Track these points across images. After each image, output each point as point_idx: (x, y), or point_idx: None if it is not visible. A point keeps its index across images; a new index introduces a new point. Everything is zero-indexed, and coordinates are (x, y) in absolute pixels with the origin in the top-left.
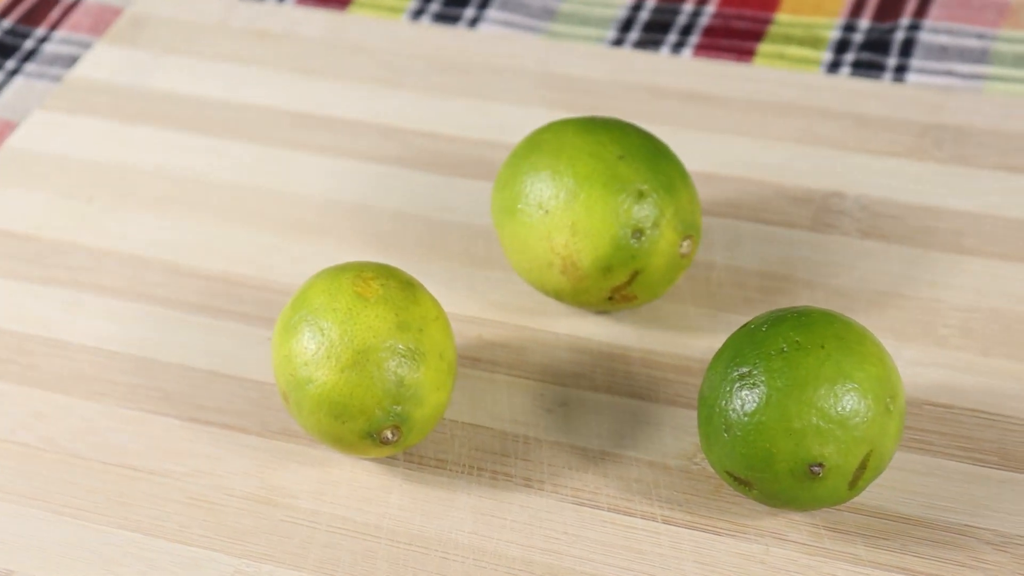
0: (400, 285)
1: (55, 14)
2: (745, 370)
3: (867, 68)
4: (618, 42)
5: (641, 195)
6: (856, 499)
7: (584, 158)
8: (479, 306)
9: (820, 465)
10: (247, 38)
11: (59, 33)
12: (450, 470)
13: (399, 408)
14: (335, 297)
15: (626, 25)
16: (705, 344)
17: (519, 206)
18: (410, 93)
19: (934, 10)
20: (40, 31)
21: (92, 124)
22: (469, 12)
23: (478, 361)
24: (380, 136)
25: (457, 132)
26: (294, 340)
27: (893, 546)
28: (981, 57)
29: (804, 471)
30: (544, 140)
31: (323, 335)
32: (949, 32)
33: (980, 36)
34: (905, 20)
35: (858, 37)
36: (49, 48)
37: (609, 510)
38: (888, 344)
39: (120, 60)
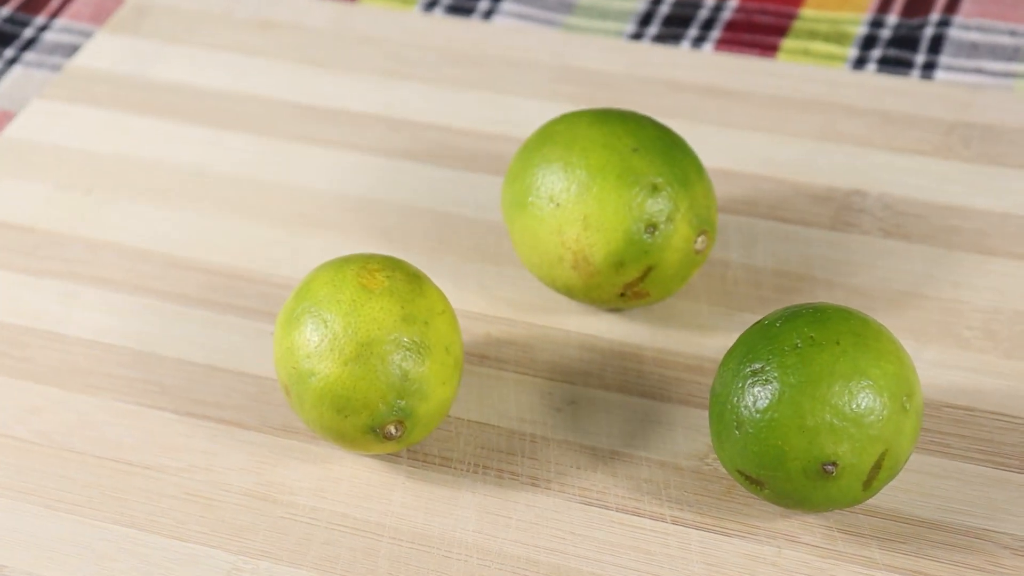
0: (406, 277)
1: (55, 2)
2: (758, 366)
3: (894, 65)
4: (637, 36)
5: (655, 188)
6: (871, 501)
7: (597, 150)
8: (488, 303)
9: (834, 464)
10: (252, 28)
11: (59, 21)
12: (455, 468)
13: (403, 402)
14: (339, 288)
15: (645, 19)
16: (719, 343)
17: (530, 199)
18: (420, 85)
19: (965, 6)
20: (40, 19)
21: (92, 114)
22: (483, 4)
23: (486, 358)
24: (388, 129)
25: (468, 126)
26: (296, 332)
27: (908, 549)
28: (1013, 55)
29: (817, 470)
30: (557, 131)
31: (326, 327)
32: (980, 29)
33: (1013, 33)
34: (935, 16)
35: (886, 33)
36: (49, 37)
37: (617, 510)
38: (908, 345)
39: (122, 49)
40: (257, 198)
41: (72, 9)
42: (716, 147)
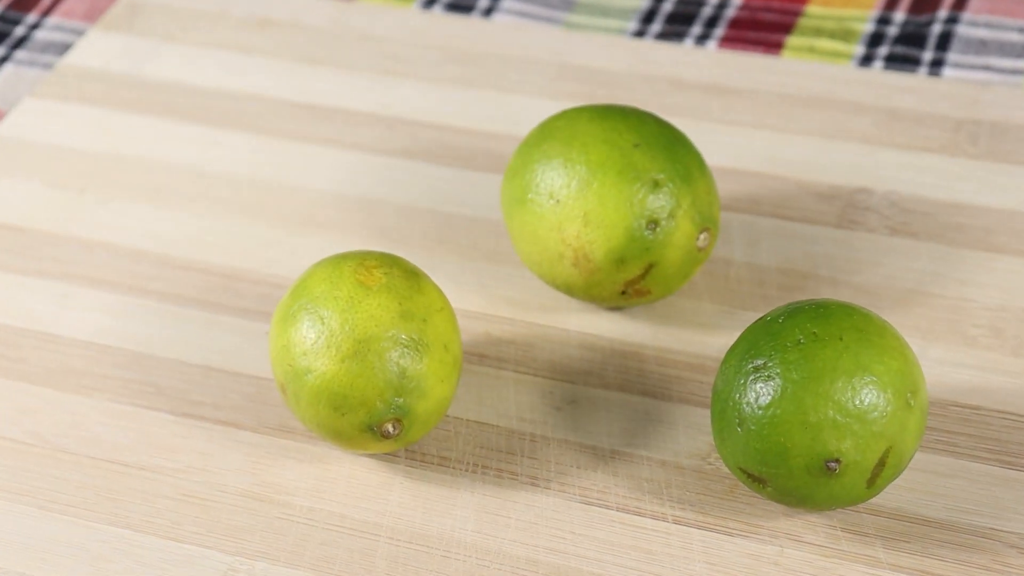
0: (404, 274)
1: (47, 0)
2: (760, 362)
3: (901, 62)
4: (639, 34)
5: (657, 185)
6: (875, 500)
7: (598, 146)
8: (487, 302)
9: (837, 461)
10: (248, 26)
11: (51, 20)
12: (453, 468)
13: (401, 400)
14: (336, 285)
15: (648, 17)
16: (722, 342)
17: (529, 196)
18: (419, 84)
19: (974, 3)
20: (32, 17)
21: (85, 112)
22: (483, 2)
23: (485, 357)
24: (386, 128)
25: (468, 124)
26: (293, 329)
27: (914, 549)
28: (1022, 52)
29: (820, 467)
30: (557, 127)
31: (323, 324)
32: (989, 25)
33: (1022, 30)
34: (943, 13)
35: (892, 30)
36: (40, 35)
37: (618, 510)
38: (915, 343)
39: (115, 47)
40: (254, 198)
41: (64, 7)
42: (720, 145)
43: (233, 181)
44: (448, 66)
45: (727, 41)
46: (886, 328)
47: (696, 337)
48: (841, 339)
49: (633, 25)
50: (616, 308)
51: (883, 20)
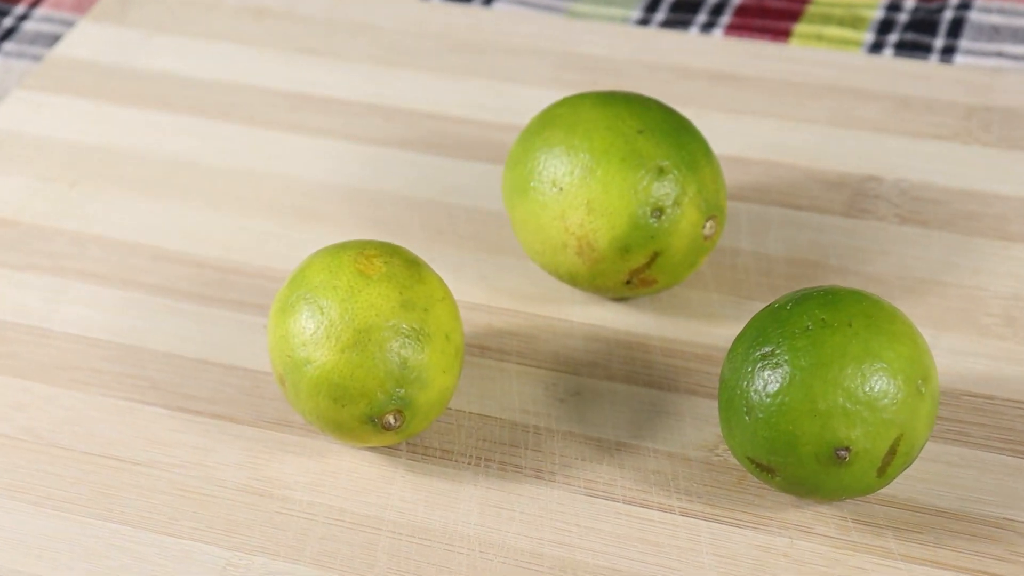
0: (404, 263)
1: None
2: (768, 349)
3: (912, 49)
4: (643, 22)
5: (661, 171)
6: (886, 491)
7: (601, 132)
8: (489, 293)
9: (847, 449)
10: (242, 17)
11: (40, 11)
12: (456, 461)
13: (402, 391)
14: (336, 275)
15: (652, 5)
16: (729, 332)
17: (531, 184)
18: (417, 74)
19: None
20: (20, 8)
21: (75, 104)
22: None
23: (487, 350)
24: (383, 118)
25: (467, 114)
26: (292, 319)
27: (926, 539)
28: None
29: (830, 455)
30: (559, 114)
31: (322, 314)
32: (1002, 11)
33: None
34: None
35: (903, 17)
36: (29, 27)
37: (624, 502)
38: (927, 333)
39: (106, 39)
40: (248, 189)
41: None
42: (726, 133)
43: (227, 173)
44: (447, 55)
45: (733, 29)
46: (896, 314)
47: (703, 327)
48: (850, 325)
49: (637, 14)
50: (621, 298)
51: (893, 6)
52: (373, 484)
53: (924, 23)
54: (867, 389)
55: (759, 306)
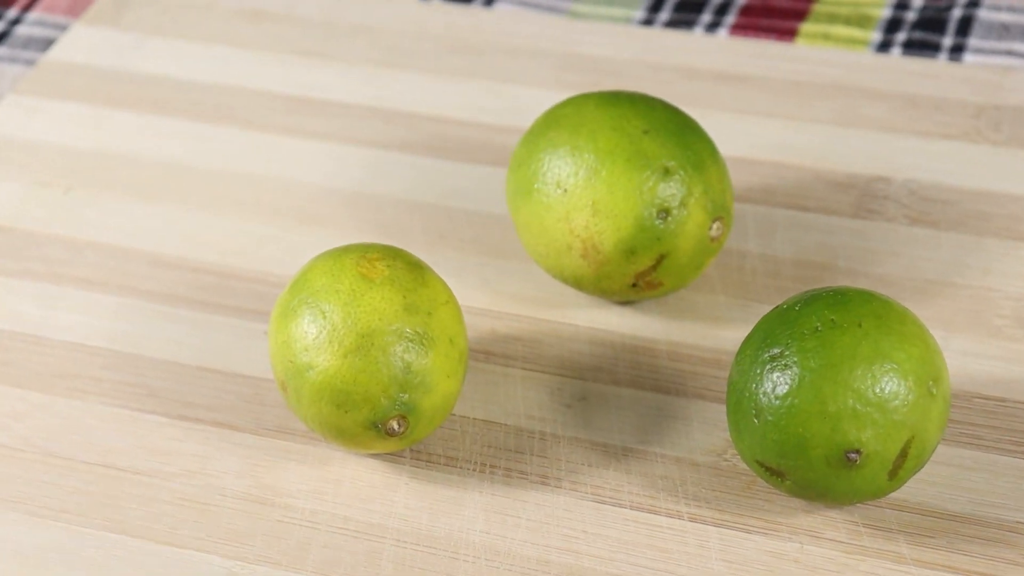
0: (407, 266)
1: None
2: (777, 351)
3: (920, 48)
4: (647, 23)
5: (667, 172)
6: (898, 495)
7: (606, 132)
8: (492, 298)
9: (857, 451)
10: (239, 19)
11: (33, 15)
12: (460, 468)
13: (406, 396)
14: (338, 279)
15: (656, 4)
16: (736, 336)
17: (536, 185)
18: (417, 76)
19: None
20: (12, 12)
21: (70, 108)
22: None
23: (491, 355)
24: (383, 121)
25: (468, 116)
26: (293, 324)
27: (939, 544)
28: None
29: (840, 458)
30: (563, 115)
31: (325, 318)
32: (1011, 9)
33: None
34: None
35: (911, 15)
36: (22, 31)
37: (632, 508)
38: (937, 335)
39: (100, 42)
40: (247, 194)
41: (47, 1)
42: (733, 134)
43: (225, 177)
44: (448, 57)
45: (738, 29)
46: (906, 315)
47: (710, 331)
48: (860, 326)
49: (640, 14)
50: (626, 302)
51: (901, 5)
52: (376, 492)
53: (932, 22)
54: (878, 390)
55: (766, 309)
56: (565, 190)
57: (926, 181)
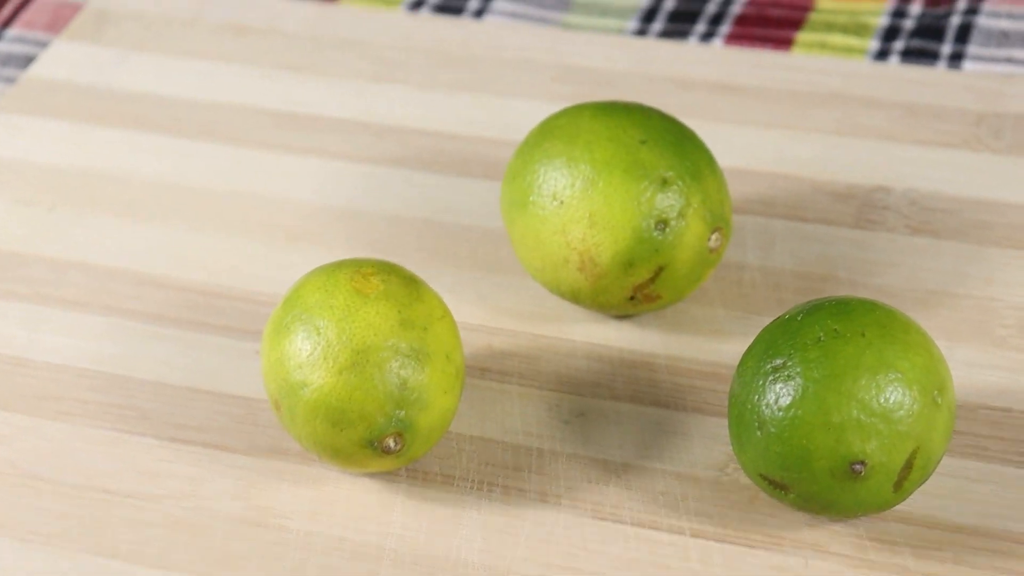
0: (402, 281)
1: (7, 11)
2: (779, 362)
3: (918, 56)
4: (640, 33)
5: (665, 183)
6: (903, 507)
7: (602, 143)
8: (488, 313)
9: (862, 463)
10: (224, 33)
11: (12, 31)
12: (458, 486)
13: (402, 413)
14: (332, 294)
15: (649, 15)
16: (736, 349)
17: (531, 198)
18: (407, 89)
19: None
20: None
21: (52, 126)
22: (473, 3)
23: (487, 371)
24: (373, 136)
25: (461, 130)
26: (287, 341)
27: (945, 556)
28: None
29: (845, 470)
30: (558, 126)
31: (319, 335)
32: (1011, 16)
33: None
34: (962, 3)
35: (909, 23)
36: (1, 48)
37: (633, 524)
38: (941, 345)
39: (82, 58)
40: (234, 211)
41: (25, 17)
42: (730, 145)
43: (212, 195)
44: (438, 70)
45: (733, 39)
46: (910, 324)
47: (709, 344)
48: (863, 335)
49: (633, 24)
50: (624, 316)
51: (898, 13)
52: (372, 512)
53: (931, 29)
54: (882, 401)
55: (767, 321)
56: (561, 202)
57: (927, 190)
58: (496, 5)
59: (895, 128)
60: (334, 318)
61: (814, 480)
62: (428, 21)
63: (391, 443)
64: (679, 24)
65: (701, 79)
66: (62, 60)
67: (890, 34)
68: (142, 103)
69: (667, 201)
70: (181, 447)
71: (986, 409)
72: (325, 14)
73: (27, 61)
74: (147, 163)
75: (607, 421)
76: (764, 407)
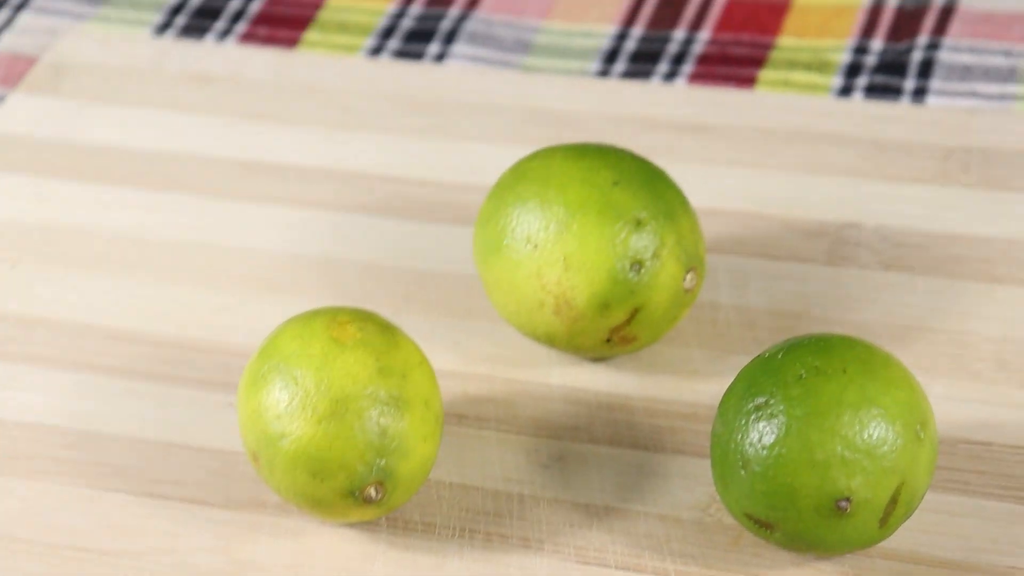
0: (379, 329)
1: None
2: (761, 400)
3: (882, 92)
4: (603, 74)
5: (639, 223)
6: (888, 544)
7: (575, 185)
8: (462, 360)
9: (847, 500)
10: (184, 83)
11: None
12: (439, 534)
13: (383, 461)
14: (308, 343)
15: (611, 56)
16: (713, 389)
17: (505, 242)
18: (371, 135)
19: (955, 26)
20: None
21: (12, 181)
22: (433, 48)
23: (464, 418)
24: (339, 183)
25: (427, 176)
26: (264, 392)
27: None
28: (1009, 76)
29: (830, 507)
30: (531, 169)
31: (296, 384)
32: (972, 50)
33: (1008, 53)
34: (923, 38)
35: (871, 59)
36: None
37: (618, 568)
38: (918, 380)
39: (40, 111)
40: (202, 263)
41: None
42: (698, 185)
43: (179, 246)
44: (402, 116)
45: (696, 78)
46: (890, 359)
47: (686, 385)
48: (845, 372)
49: (595, 66)
50: (600, 358)
51: (860, 49)
52: (354, 563)
53: (893, 65)
54: (866, 436)
55: (743, 361)
56: (536, 245)
57: (897, 226)
58: (456, 49)
59: (863, 164)
60: (312, 367)
61: (800, 518)
62: (390, 67)
63: (372, 492)
64: (641, 64)
65: (666, 119)
66: (20, 114)
67: (853, 70)
68: (104, 155)
69: (642, 242)
70: (157, 502)
71: (966, 443)
72: (285, 61)
73: None
74: (111, 216)
75: (587, 465)
76: (748, 446)
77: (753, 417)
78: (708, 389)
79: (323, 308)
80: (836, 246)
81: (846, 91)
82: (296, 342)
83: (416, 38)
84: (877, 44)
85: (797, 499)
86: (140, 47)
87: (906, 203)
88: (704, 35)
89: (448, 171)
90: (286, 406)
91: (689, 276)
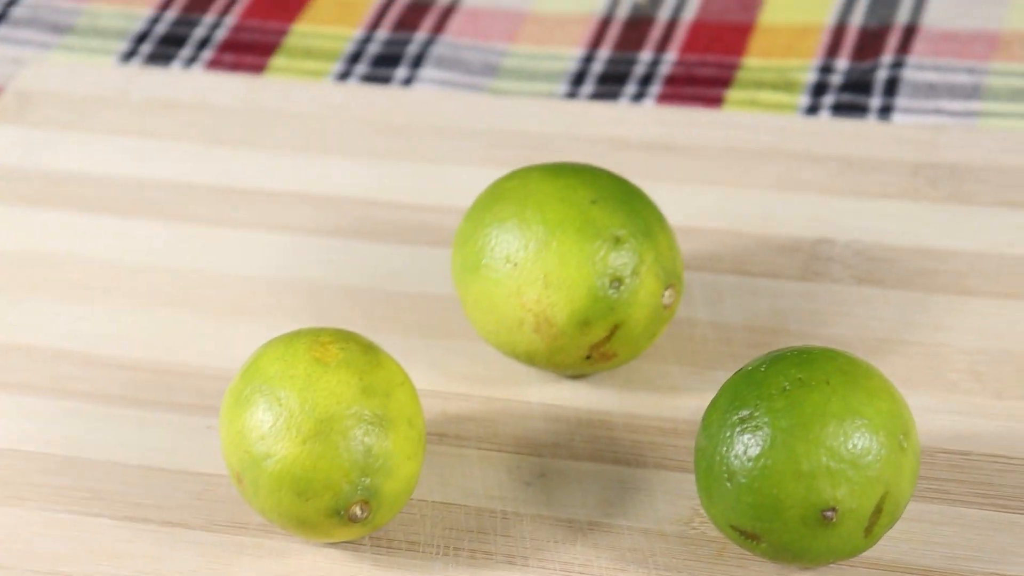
0: (361, 348)
1: None
2: (746, 413)
3: (848, 111)
4: (571, 96)
5: (618, 241)
6: (871, 553)
7: (554, 204)
8: (441, 379)
9: (833, 510)
10: (151, 110)
11: None
12: (423, 552)
13: (368, 481)
14: (291, 364)
15: (578, 78)
16: (692, 404)
17: (484, 261)
18: (342, 159)
19: (918, 45)
20: None
21: None
22: (401, 72)
23: (445, 436)
24: (312, 207)
25: (399, 198)
26: (247, 413)
27: None
28: (973, 93)
29: (816, 517)
30: (508, 188)
31: (280, 405)
32: (936, 68)
33: (971, 71)
34: (887, 57)
35: (836, 78)
36: None
37: None
38: None
39: (6, 140)
40: (176, 288)
41: None
42: (671, 204)
43: (151, 272)
44: (372, 139)
45: (664, 99)
46: (872, 370)
47: (665, 400)
48: (828, 383)
49: (563, 88)
50: (579, 376)
51: (826, 68)
52: None
53: (859, 83)
54: (850, 446)
55: (721, 376)
56: (515, 264)
57: (869, 241)
58: (423, 73)
59: (834, 181)
60: (295, 388)
61: (786, 529)
62: (358, 91)
63: (358, 511)
64: (609, 86)
65: (637, 139)
66: None
67: (819, 89)
68: (73, 183)
69: (621, 259)
70: (139, 526)
71: (945, 453)
72: (254, 87)
73: None
74: (83, 243)
75: (568, 481)
76: (733, 458)
77: (738, 429)
78: (687, 404)
79: (304, 329)
80: (810, 262)
81: (813, 110)
82: (279, 363)
83: (383, 63)
84: (842, 63)
85: (783, 510)
86: (106, 75)
87: (877, 218)
88: (671, 56)
89: (420, 193)
90: (270, 427)
91: (668, 292)
